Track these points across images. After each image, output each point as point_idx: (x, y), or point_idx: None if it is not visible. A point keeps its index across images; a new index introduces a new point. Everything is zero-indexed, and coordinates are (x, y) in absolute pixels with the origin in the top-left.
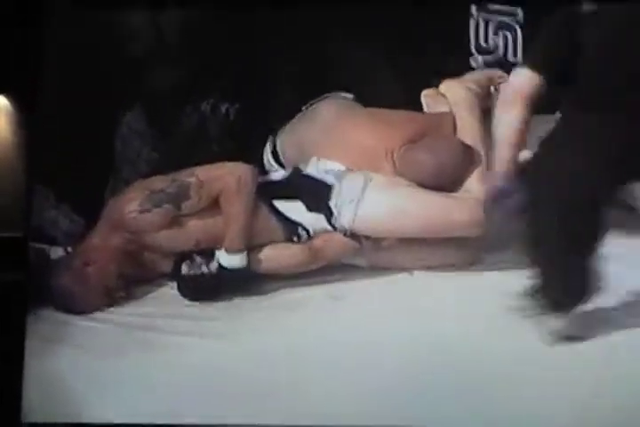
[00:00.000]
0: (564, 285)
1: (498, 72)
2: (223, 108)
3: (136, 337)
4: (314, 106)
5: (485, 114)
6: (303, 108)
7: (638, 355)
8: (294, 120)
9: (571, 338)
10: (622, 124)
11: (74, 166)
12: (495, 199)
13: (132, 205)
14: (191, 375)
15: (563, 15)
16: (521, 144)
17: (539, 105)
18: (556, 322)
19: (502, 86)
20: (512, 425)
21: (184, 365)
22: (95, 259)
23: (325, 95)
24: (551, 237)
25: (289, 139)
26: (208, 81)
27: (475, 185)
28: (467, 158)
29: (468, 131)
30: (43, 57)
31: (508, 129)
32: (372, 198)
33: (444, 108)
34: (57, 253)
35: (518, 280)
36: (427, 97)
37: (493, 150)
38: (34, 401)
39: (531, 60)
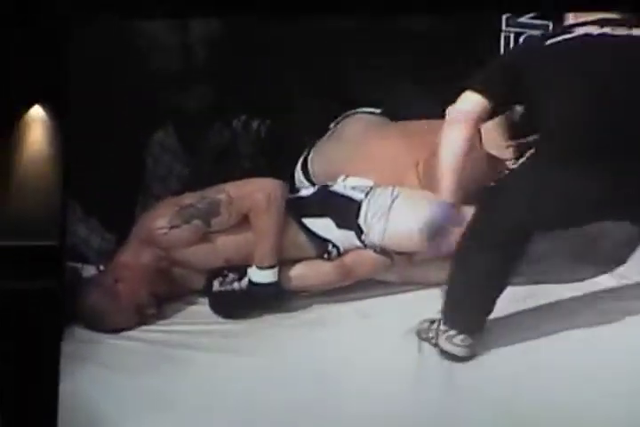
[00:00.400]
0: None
1: None
2: (255, 125)
3: (166, 354)
4: (341, 123)
5: (509, 128)
6: (331, 125)
7: None
8: (324, 138)
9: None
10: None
11: (105, 183)
12: (432, 235)
13: (162, 221)
14: (220, 393)
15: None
16: (464, 168)
17: None
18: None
19: (448, 109)
20: None
21: (213, 382)
22: (126, 276)
23: (353, 111)
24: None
25: (318, 157)
26: (239, 97)
27: None
28: (492, 170)
29: (492, 142)
30: (78, 69)
31: (450, 154)
32: (401, 213)
33: None
34: (89, 271)
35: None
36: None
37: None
38: (68, 419)
39: (475, 83)
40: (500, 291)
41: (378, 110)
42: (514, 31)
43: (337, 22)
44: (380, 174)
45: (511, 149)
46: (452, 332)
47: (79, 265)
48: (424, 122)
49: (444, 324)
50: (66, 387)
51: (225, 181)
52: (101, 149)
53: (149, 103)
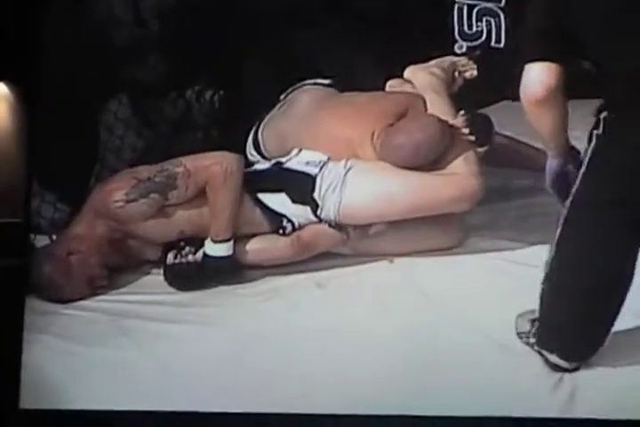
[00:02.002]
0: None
1: (462, 59)
2: (208, 96)
3: (120, 324)
4: (290, 95)
5: (452, 98)
6: (281, 97)
7: None
8: (273, 111)
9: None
10: None
11: (58, 154)
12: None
13: (119, 194)
14: (177, 362)
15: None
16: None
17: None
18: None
19: (527, 86)
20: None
21: (170, 351)
22: (78, 248)
23: (302, 83)
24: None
25: (269, 130)
26: (192, 69)
27: (460, 165)
28: (446, 136)
29: (438, 110)
30: (40, 45)
31: (555, 127)
32: (354, 185)
33: None
34: (42, 241)
35: (497, 262)
36: (392, 87)
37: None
38: (30, 388)
39: (535, 51)
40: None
41: (326, 81)
42: (467, 3)
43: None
44: (334, 147)
45: (460, 118)
46: (553, 357)
47: (32, 235)
48: (372, 93)
49: (539, 346)
50: (27, 358)
51: (179, 151)
52: (56, 121)
53: (104, 75)
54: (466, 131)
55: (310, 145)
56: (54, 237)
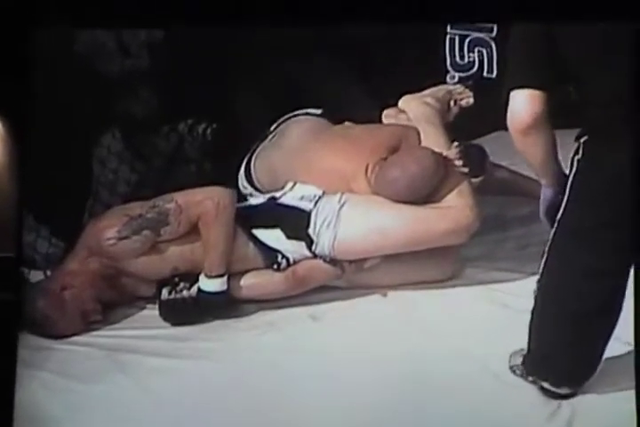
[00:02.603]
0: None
1: (458, 87)
2: (200, 129)
3: (115, 359)
4: (282, 126)
5: (446, 128)
6: (272, 127)
7: None
8: (265, 142)
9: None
10: None
11: (52, 189)
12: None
13: (111, 231)
14: (173, 397)
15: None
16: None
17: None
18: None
19: (513, 113)
20: None
21: (166, 386)
22: (72, 283)
23: (293, 113)
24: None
25: (261, 162)
26: (184, 102)
27: (454, 198)
28: (440, 169)
29: (432, 142)
30: (31, 80)
31: (546, 156)
32: (348, 220)
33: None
34: (37, 276)
35: (494, 294)
36: (388, 117)
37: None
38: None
39: (522, 78)
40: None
41: (317, 111)
42: (458, 34)
43: (284, 27)
44: (327, 181)
45: (454, 150)
46: (546, 384)
47: (26, 270)
48: (366, 126)
49: (531, 374)
50: (21, 394)
51: (173, 185)
52: (50, 156)
53: (96, 109)
54: (459, 162)
55: (303, 178)
56: (48, 272)
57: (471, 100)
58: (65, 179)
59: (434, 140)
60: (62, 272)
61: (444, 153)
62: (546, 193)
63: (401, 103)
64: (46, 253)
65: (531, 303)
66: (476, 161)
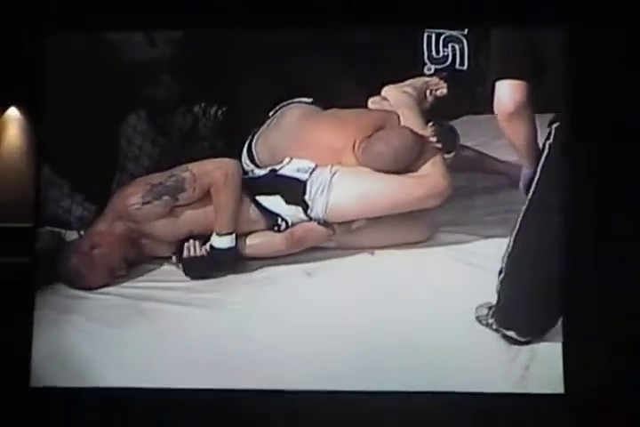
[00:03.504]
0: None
1: (434, 79)
2: (212, 111)
3: (139, 307)
4: (278, 112)
5: (422, 113)
6: (271, 113)
7: None
8: (264, 127)
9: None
10: None
11: (88, 163)
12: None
13: (135, 197)
14: (186, 340)
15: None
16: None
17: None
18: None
19: (499, 101)
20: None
21: (180, 331)
22: (101, 243)
23: (288, 101)
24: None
25: (261, 144)
26: (200, 87)
27: (429, 168)
28: (417, 144)
29: (410, 123)
30: (53, 71)
31: (528, 140)
32: (339, 187)
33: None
34: (71, 236)
35: (465, 255)
36: (373, 103)
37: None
38: (41, 367)
39: (506, 70)
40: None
41: (309, 100)
42: (434, 32)
43: (281, 28)
44: (319, 155)
45: (429, 129)
46: (510, 333)
47: (63, 231)
48: (354, 110)
49: (498, 325)
50: (58, 335)
51: (188, 159)
52: (84, 134)
53: (124, 93)
54: (434, 139)
55: (298, 153)
56: (82, 232)
57: (445, 91)
58: (96, 153)
59: (412, 121)
60: (92, 233)
61: (421, 132)
62: (525, 173)
63: (383, 92)
64: (80, 216)
65: (492, 263)
66: (449, 139)
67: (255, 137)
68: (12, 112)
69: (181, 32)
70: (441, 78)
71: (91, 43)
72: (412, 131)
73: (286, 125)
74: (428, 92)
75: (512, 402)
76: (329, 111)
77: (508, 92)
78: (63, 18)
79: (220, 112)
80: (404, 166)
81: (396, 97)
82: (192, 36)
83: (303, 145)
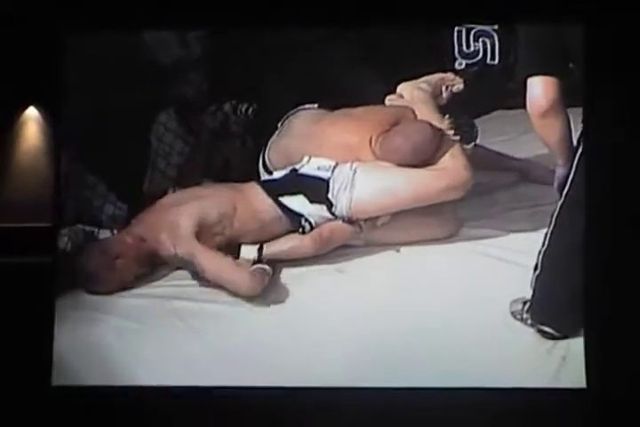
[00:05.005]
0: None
1: (450, 75)
2: (243, 109)
3: (170, 306)
4: (286, 121)
5: (439, 109)
6: (279, 124)
7: None
8: (273, 137)
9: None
10: None
11: (117, 161)
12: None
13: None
14: (217, 338)
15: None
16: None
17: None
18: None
19: (532, 99)
20: None
21: (210, 328)
22: (125, 255)
23: (295, 109)
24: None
25: (274, 151)
26: (229, 86)
27: (449, 160)
28: (436, 137)
29: (426, 118)
30: (70, 72)
31: (559, 137)
32: (362, 183)
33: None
34: (105, 234)
35: (492, 249)
36: (390, 100)
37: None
38: (63, 366)
39: (537, 66)
40: None
41: (315, 105)
42: (465, 27)
43: (309, 28)
44: (337, 153)
45: (446, 121)
46: (546, 328)
47: (95, 229)
48: (367, 107)
49: (534, 320)
50: (92, 334)
51: (219, 157)
52: (116, 133)
53: (155, 92)
54: (451, 132)
55: (314, 153)
56: (115, 231)
57: (461, 86)
58: (125, 152)
59: (427, 115)
60: (120, 241)
61: (438, 125)
62: (559, 171)
63: (399, 89)
64: (112, 215)
65: (521, 257)
66: (466, 130)
67: (267, 148)
68: (32, 112)
69: (209, 31)
70: (457, 73)
71: (115, 41)
72: (429, 124)
73: (297, 130)
74: (444, 87)
75: (539, 398)
76: (340, 111)
77: (540, 90)
78: (86, 17)
79: (250, 110)
80: (423, 160)
81: (410, 93)
82: (220, 35)
83: (318, 145)
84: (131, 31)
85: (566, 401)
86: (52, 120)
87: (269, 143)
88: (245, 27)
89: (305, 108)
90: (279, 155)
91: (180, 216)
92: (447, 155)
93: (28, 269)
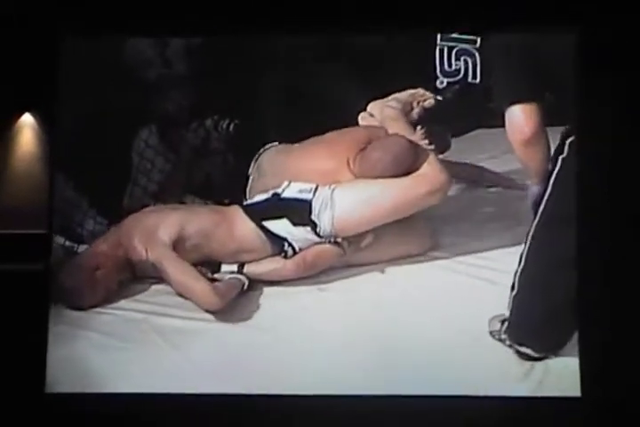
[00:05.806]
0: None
1: (420, 90)
2: (224, 125)
3: (151, 322)
4: (258, 161)
5: (410, 124)
6: (250, 170)
7: None
8: (250, 183)
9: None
10: None
11: (100, 176)
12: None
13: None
14: (196, 353)
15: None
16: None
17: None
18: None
19: (514, 128)
20: None
21: (191, 344)
22: (105, 265)
23: (260, 151)
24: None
25: (254, 190)
26: (211, 101)
27: (426, 167)
28: (413, 148)
29: (400, 133)
30: (65, 80)
31: (540, 163)
32: (341, 198)
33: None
34: (84, 249)
35: (466, 268)
36: (362, 119)
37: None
38: (56, 374)
39: (516, 92)
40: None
41: (276, 143)
42: (447, 45)
43: (290, 38)
44: (315, 180)
45: (418, 133)
46: (523, 348)
47: (75, 245)
48: (334, 131)
49: (511, 340)
50: (72, 351)
51: (200, 174)
52: (94, 149)
53: (136, 108)
54: (425, 141)
55: (295, 181)
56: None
57: (432, 102)
58: (109, 167)
59: (399, 131)
60: (96, 253)
61: (411, 137)
62: (533, 190)
63: (369, 108)
64: (92, 230)
65: (493, 274)
66: (440, 138)
67: (247, 189)
68: (27, 118)
69: (195, 44)
70: (427, 89)
71: (105, 50)
72: (403, 136)
73: (270, 169)
74: (415, 103)
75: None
76: (309, 140)
77: (522, 119)
78: (79, 24)
79: (232, 126)
80: (405, 170)
81: (380, 111)
82: (203, 49)
83: (294, 174)
84: (116, 37)
85: (561, 409)
86: (48, 127)
87: (247, 190)
88: (228, 41)
89: (267, 148)
90: (260, 192)
91: (162, 222)
92: (424, 164)
93: (22, 275)
